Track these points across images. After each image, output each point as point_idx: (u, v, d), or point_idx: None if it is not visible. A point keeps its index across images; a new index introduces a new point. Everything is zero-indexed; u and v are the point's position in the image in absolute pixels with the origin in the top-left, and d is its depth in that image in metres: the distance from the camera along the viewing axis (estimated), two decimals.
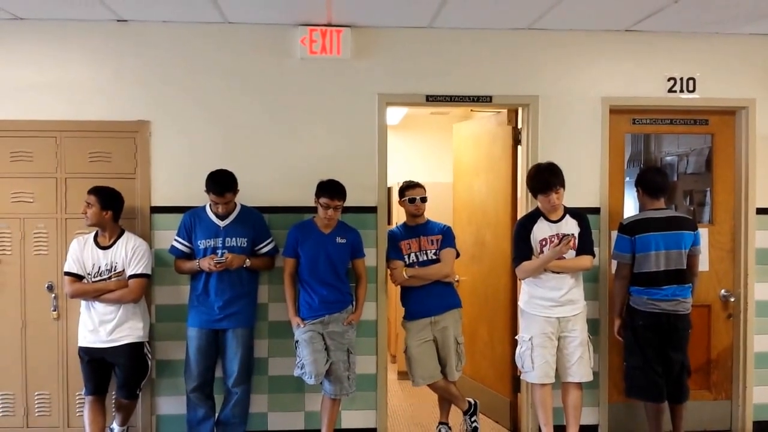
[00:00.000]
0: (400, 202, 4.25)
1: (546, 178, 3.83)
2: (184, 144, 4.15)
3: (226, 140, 4.19)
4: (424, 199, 4.17)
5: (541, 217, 3.89)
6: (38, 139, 4.12)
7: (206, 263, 3.78)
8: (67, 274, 3.80)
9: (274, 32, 4.18)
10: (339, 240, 3.95)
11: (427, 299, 4.13)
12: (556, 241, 3.82)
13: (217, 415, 4.03)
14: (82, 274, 3.80)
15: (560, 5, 3.86)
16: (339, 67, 4.22)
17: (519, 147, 4.46)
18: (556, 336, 3.86)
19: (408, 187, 4.22)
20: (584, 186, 4.29)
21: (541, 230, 3.87)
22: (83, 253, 3.81)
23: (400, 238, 4.20)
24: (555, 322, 3.85)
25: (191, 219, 3.94)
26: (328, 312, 3.91)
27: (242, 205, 3.97)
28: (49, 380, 4.19)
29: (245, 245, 3.90)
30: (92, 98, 4.14)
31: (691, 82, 4.39)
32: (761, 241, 4.42)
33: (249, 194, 4.10)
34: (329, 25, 4.16)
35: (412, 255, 4.16)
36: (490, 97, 4.30)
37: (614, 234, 4.18)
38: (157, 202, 4.15)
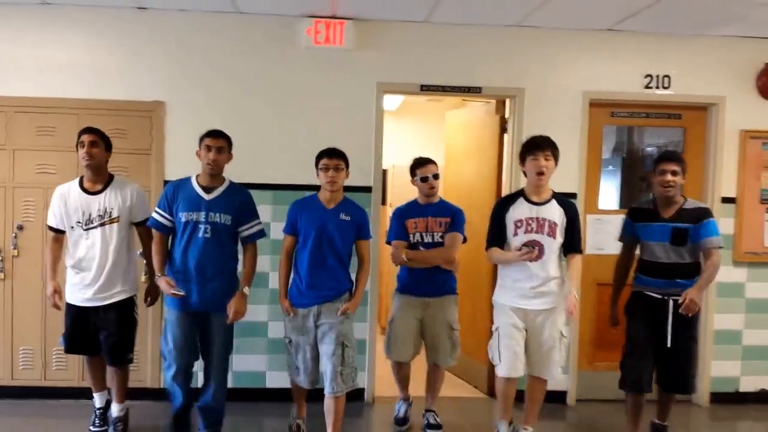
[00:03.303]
0: (412, 182, 4.13)
1: (538, 140, 3.69)
2: (197, 123, 4.42)
3: (235, 121, 4.49)
4: (437, 176, 4.05)
5: (522, 198, 3.71)
6: (61, 115, 4.46)
7: (164, 285, 3.58)
8: (50, 228, 3.83)
9: (281, 22, 4.52)
10: (343, 217, 3.68)
11: (424, 282, 4.02)
12: (522, 233, 3.63)
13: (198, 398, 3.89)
14: (63, 228, 3.76)
15: (547, 5, 4.19)
16: (341, 56, 4.56)
17: (505, 135, 4.82)
18: (524, 325, 3.67)
19: (418, 164, 4.08)
20: (564, 173, 4.57)
21: (519, 210, 3.67)
22: (67, 203, 3.72)
23: (407, 216, 4.06)
24: (523, 312, 3.66)
25: (174, 189, 3.71)
26: (318, 301, 3.65)
27: (231, 181, 3.79)
28: None
29: (229, 223, 3.65)
30: (111, 79, 4.48)
31: (666, 79, 4.75)
32: (725, 228, 4.77)
33: (254, 172, 4.48)
34: (333, 17, 4.49)
35: (417, 235, 4.03)
36: (480, 89, 4.65)
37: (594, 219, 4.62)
38: (170, 176, 4.45)
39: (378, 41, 4.59)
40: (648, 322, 3.75)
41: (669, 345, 3.68)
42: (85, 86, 4.46)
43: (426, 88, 4.63)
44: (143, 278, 4.12)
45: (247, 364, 4.57)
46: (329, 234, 3.64)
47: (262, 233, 3.81)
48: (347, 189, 4.32)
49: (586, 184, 4.74)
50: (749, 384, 4.91)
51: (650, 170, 3.93)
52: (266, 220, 4.43)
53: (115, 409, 3.99)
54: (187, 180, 3.75)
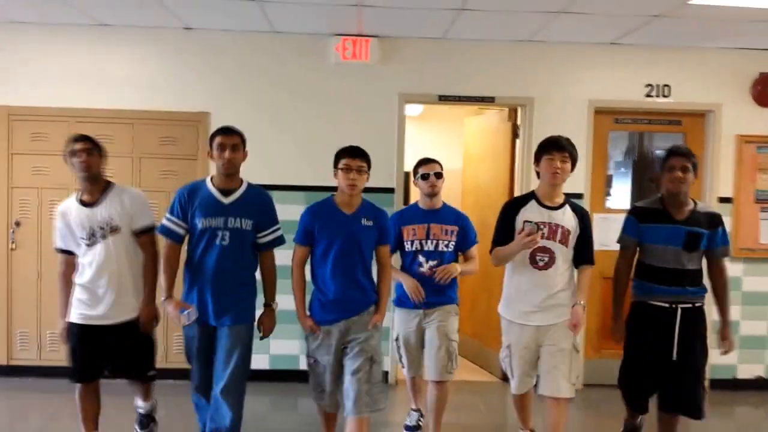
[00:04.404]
0: (414, 182, 3.90)
1: (556, 139, 3.41)
2: None
3: (273, 129, 5.05)
4: (438, 175, 3.76)
5: (534, 200, 3.44)
6: (117, 125, 4.99)
7: (171, 311, 3.21)
8: (58, 250, 3.52)
9: (313, 40, 5.02)
10: (365, 222, 3.32)
11: (423, 292, 3.73)
12: (530, 227, 3.30)
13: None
14: (70, 248, 3.46)
15: (555, 21, 4.60)
16: (366, 70, 5.05)
17: (517, 140, 5.25)
18: (536, 344, 3.41)
19: (421, 163, 3.85)
20: (572, 175, 5.02)
21: (530, 213, 3.39)
22: (70, 222, 3.41)
23: (404, 221, 3.79)
24: (534, 330, 3.39)
25: (188, 193, 3.30)
26: (345, 315, 3.29)
27: (249, 183, 3.45)
28: None
29: (250, 228, 3.30)
30: (162, 92, 5.01)
31: (666, 88, 5.15)
32: None
33: (289, 174, 5.00)
34: (359, 35, 4.97)
35: (416, 243, 3.74)
36: (493, 98, 5.11)
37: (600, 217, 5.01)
38: None
39: (400, 56, 5.06)
40: (653, 335, 3.42)
41: (675, 358, 3.40)
42: (138, 98, 5.00)
43: (443, 98, 5.10)
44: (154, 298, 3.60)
45: (283, 348, 5.08)
46: (355, 242, 3.28)
47: (281, 240, 3.44)
48: (372, 190, 4.71)
49: (592, 185, 5.16)
50: (746, 371, 5.29)
51: (659, 169, 3.52)
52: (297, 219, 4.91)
53: (141, 406, 3.78)
54: (202, 183, 3.37)
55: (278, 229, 3.42)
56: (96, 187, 3.44)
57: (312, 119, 5.06)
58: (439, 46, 5.07)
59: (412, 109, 6.03)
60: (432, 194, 3.78)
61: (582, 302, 3.32)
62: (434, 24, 4.73)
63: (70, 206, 3.44)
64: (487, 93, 5.09)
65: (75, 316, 3.43)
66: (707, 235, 3.38)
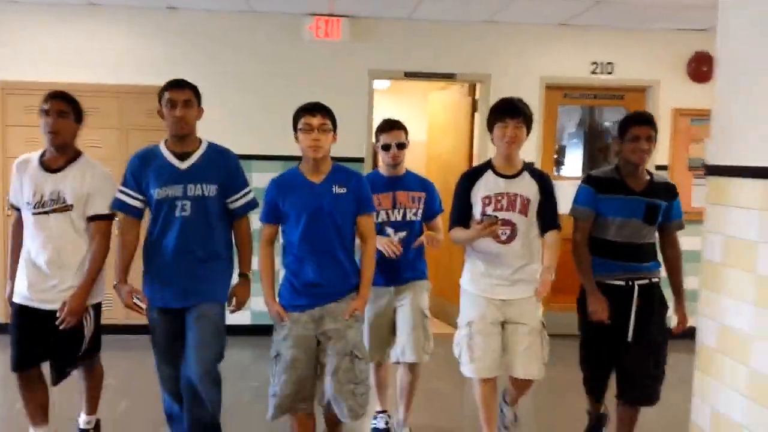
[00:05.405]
0: (375, 148, 3.55)
1: (507, 104, 3.12)
2: (220, 105, 5.34)
3: (252, 102, 5.46)
4: (401, 146, 3.38)
5: (490, 170, 3.17)
6: (105, 98, 5.35)
7: (125, 296, 2.90)
8: (12, 207, 3.12)
9: (288, 20, 5.42)
10: (337, 190, 2.88)
11: (392, 269, 3.37)
12: (489, 219, 3.00)
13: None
14: (18, 205, 3.04)
15: (512, 5, 5.06)
16: (338, 48, 5.48)
17: (476, 114, 5.75)
18: (500, 321, 3.14)
19: (382, 129, 3.44)
20: (524, 146, 5.53)
21: (485, 185, 3.13)
22: (23, 178, 2.96)
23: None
24: (499, 304, 3.12)
25: (140, 160, 2.92)
26: (318, 302, 2.85)
27: (210, 142, 3.05)
28: None
29: (214, 194, 2.91)
30: (148, 67, 5.37)
31: (610, 65, 5.69)
32: None
33: (269, 144, 5.37)
34: (331, 15, 5.39)
35: (383, 213, 3.37)
36: (454, 75, 5.59)
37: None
38: None
39: (369, 35, 5.50)
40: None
41: (630, 339, 3.12)
42: (125, 73, 5.37)
43: (409, 75, 5.57)
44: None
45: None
46: (326, 215, 2.84)
47: (254, 203, 3.09)
48: (342, 160, 5.13)
49: (543, 155, 5.68)
50: None
51: (619, 137, 3.17)
52: None
53: (82, 420, 3.27)
54: (155, 148, 2.96)
55: (249, 191, 3.07)
56: (63, 156, 3.00)
57: (288, 93, 5.44)
58: (405, 25, 5.51)
59: (380, 84, 6.47)
60: (394, 165, 3.45)
61: (551, 271, 3.06)
62: (401, 4, 5.15)
63: (29, 161, 3.01)
64: (449, 70, 5.56)
65: (16, 295, 3.02)
66: (664, 206, 3.15)
